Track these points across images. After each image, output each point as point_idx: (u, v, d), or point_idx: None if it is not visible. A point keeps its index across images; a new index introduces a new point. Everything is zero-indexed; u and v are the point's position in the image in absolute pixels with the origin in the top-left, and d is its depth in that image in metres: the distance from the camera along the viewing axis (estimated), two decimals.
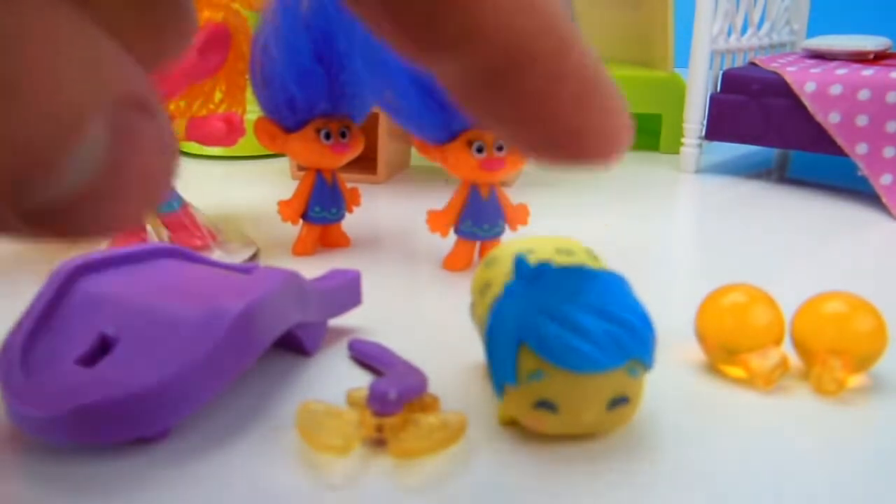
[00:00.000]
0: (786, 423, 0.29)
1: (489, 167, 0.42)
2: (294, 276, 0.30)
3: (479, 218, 0.44)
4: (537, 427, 0.26)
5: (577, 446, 0.27)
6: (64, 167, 0.14)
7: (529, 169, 0.69)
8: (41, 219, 0.16)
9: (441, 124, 0.41)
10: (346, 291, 0.35)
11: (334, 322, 0.35)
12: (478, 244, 0.46)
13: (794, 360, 0.32)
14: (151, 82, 0.16)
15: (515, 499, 0.24)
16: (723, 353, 0.32)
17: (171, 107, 0.48)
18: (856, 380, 0.32)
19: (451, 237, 0.46)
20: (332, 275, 0.35)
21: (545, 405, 0.25)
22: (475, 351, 0.33)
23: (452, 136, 0.42)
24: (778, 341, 0.32)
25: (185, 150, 0.78)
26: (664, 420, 0.29)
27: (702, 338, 0.33)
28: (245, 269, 0.32)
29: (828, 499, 0.24)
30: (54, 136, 0.14)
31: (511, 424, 0.28)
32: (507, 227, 0.45)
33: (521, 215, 0.46)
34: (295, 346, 0.33)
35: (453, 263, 0.46)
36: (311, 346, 0.33)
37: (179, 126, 0.43)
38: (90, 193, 0.16)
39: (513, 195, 0.46)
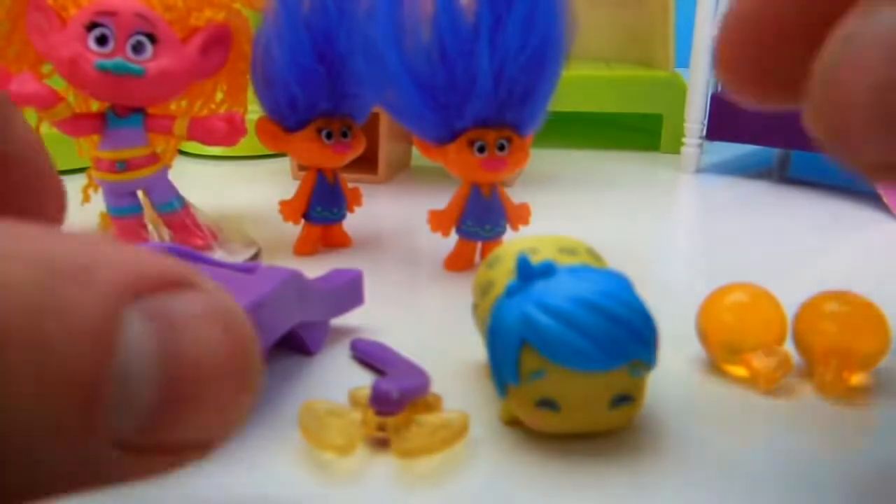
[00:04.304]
0: (788, 422, 0.29)
1: (491, 167, 0.42)
2: (296, 276, 0.30)
3: (480, 218, 0.44)
4: (540, 426, 0.26)
5: (580, 445, 0.27)
6: (111, 375, 0.13)
7: (530, 168, 0.69)
8: (142, 444, 0.15)
9: (442, 124, 0.41)
10: (348, 291, 0.35)
11: (336, 321, 0.35)
12: (479, 244, 0.46)
13: (796, 359, 0.32)
14: (174, 259, 0.15)
15: (518, 498, 0.24)
16: (725, 352, 0.32)
17: (173, 106, 0.49)
18: (858, 379, 0.32)
19: (453, 237, 0.46)
20: (334, 274, 0.35)
21: (547, 404, 0.25)
22: (477, 350, 0.33)
23: (454, 136, 0.42)
24: (780, 340, 0.32)
25: (185, 149, 0.78)
26: (666, 419, 0.29)
27: (704, 337, 0.33)
28: (247, 269, 0.32)
29: (831, 499, 0.24)
30: (91, 350, 0.13)
31: (514, 424, 0.28)
32: (508, 227, 0.46)
33: (523, 215, 0.46)
34: (297, 346, 0.33)
35: (454, 263, 0.46)
36: (313, 346, 0.33)
37: (181, 125, 0.43)
38: (169, 396, 0.14)
39: (514, 195, 0.46)
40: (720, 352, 0.32)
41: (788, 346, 0.32)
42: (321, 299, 0.33)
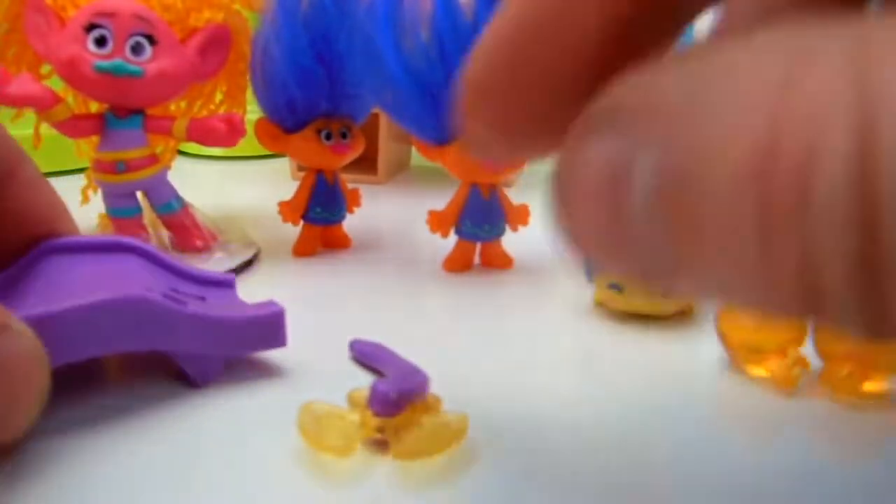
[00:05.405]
0: (803, 424, 0.29)
1: (489, 168, 0.42)
2: (144, 300, 0.27)
3: (479, 218, 0.44)
4: (612, 304, 0.37)
5: (585, 446, 0.27)
6: None
7: (531, 169, 0.69)
8: None
9: (441, 125, 0.41)
10: (258, 328, 0.31)
11: (336, 323, 0.35)
12: (478, 245, 0.46)
13: (815, 361, 0.32)
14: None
15: (517, 499, 0.24)
16: (743, 352, 0.32)
17: (172, 107, 0.49)
18: (875, 384, 0.31)
19: (452, 238, 0.46)
20: (257, 306, 0.32)
21: (614, 287, 0.36)
22: (476, 351, 0.33)
23: (453, 137, 0.42)
24: (799, 342, 0.32)
25: (185, 150, 0.78)
26: (680, 418, 0.29)
27: (723, 336, 0.33)
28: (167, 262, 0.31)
29: (843, 501, 0.24)
30: None
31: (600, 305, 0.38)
32: (507, 228, 0.45)
33: (523, 216, 0.46)
34: (182, 374, 0.30)
35: (454, 264, 0.46)
36: (199, 377, 0.30)
37: (180, 126, 0.43)
38: None
39: (514, 195, 0.46)
40: (739, 351, 0.32)
41: (808, 349, 0.32)
42: (203, 332, 0.29)
